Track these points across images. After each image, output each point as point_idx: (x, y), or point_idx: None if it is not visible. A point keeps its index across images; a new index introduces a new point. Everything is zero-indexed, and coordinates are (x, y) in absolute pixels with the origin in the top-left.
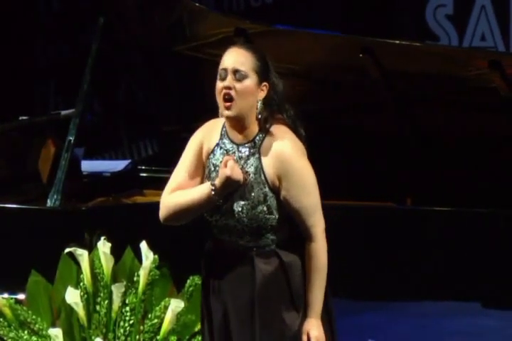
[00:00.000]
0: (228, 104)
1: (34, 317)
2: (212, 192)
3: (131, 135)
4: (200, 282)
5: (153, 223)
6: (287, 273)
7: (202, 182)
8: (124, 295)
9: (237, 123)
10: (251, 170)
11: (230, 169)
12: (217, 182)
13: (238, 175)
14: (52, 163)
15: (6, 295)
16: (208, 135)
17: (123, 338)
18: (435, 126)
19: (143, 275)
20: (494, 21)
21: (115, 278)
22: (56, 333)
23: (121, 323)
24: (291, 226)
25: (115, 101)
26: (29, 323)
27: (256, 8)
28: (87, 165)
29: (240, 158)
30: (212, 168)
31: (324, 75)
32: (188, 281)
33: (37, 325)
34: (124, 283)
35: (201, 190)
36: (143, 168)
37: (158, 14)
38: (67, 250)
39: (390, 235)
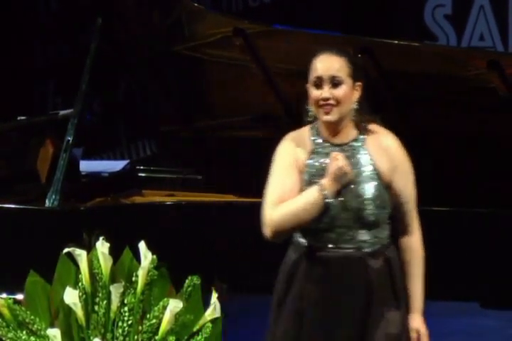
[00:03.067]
0: (328, 109)
1: (32, 317)
2: (323, 192)
3: (129, 135)
4: (198, 282)
5: (151, 223)
6: (391, 269)
7: (301, 191)
8: (123, 295)
9: (336, 125)
10: (360, 166)
11: (340, 161)
12: (325, 180)
13: (347, 167)
14: (51, 163)
15: (4, 296)
16: (297, 146)
17: (121, 338)
18: (434, 126)
19: (141, 275)
20: (493, 21)
21: (114, 279)
22: (55, 333)
23: (120, 323)
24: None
25: (114, 101)
26: (27, 323)
27: (254, 8)
28: (86, 165)
29: (346, 157)
30: (315, 171)
31: None
32: (187, 281)
33: (35, 325)
34: (123, 283)
35: (310, 194)
36: (141, 168)
37: (158, 14)
38: (65, 250)
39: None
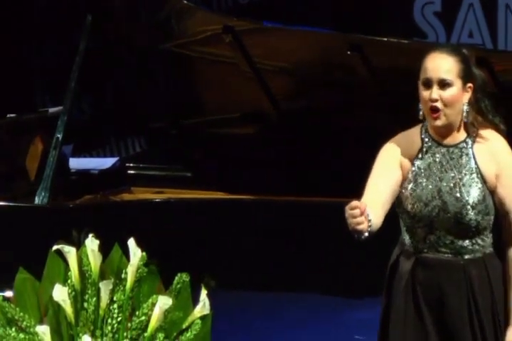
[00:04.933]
0: (436, 115)
1: (22, 314)
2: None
3: (119, 132)
4: (187, 279)
5: (141, 220)
6: (491, 280)
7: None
8: (112, 292)
9: (445, 128)
10: (465, 170)
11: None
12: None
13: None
14: (40, 160)
15: None
16: (405, 144)
17: (110, 335)
18: None
19: (131, 272)
20: (482, 18)
21: (103, 276)
22: (44, 330)
23: (109, 320)
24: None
25: (103, 99)
26: (17, 320)
27: (244, 6)
28: (75, 163)
29: (451, 159)
30: (419, 171)
31: (314, 73)
32: (176, 278)
33: (24, 322)
34: (112, 280)
35: None
36: (131, 165)
37: (147, 12)
38: (54, 247)
39: (389, 234)
